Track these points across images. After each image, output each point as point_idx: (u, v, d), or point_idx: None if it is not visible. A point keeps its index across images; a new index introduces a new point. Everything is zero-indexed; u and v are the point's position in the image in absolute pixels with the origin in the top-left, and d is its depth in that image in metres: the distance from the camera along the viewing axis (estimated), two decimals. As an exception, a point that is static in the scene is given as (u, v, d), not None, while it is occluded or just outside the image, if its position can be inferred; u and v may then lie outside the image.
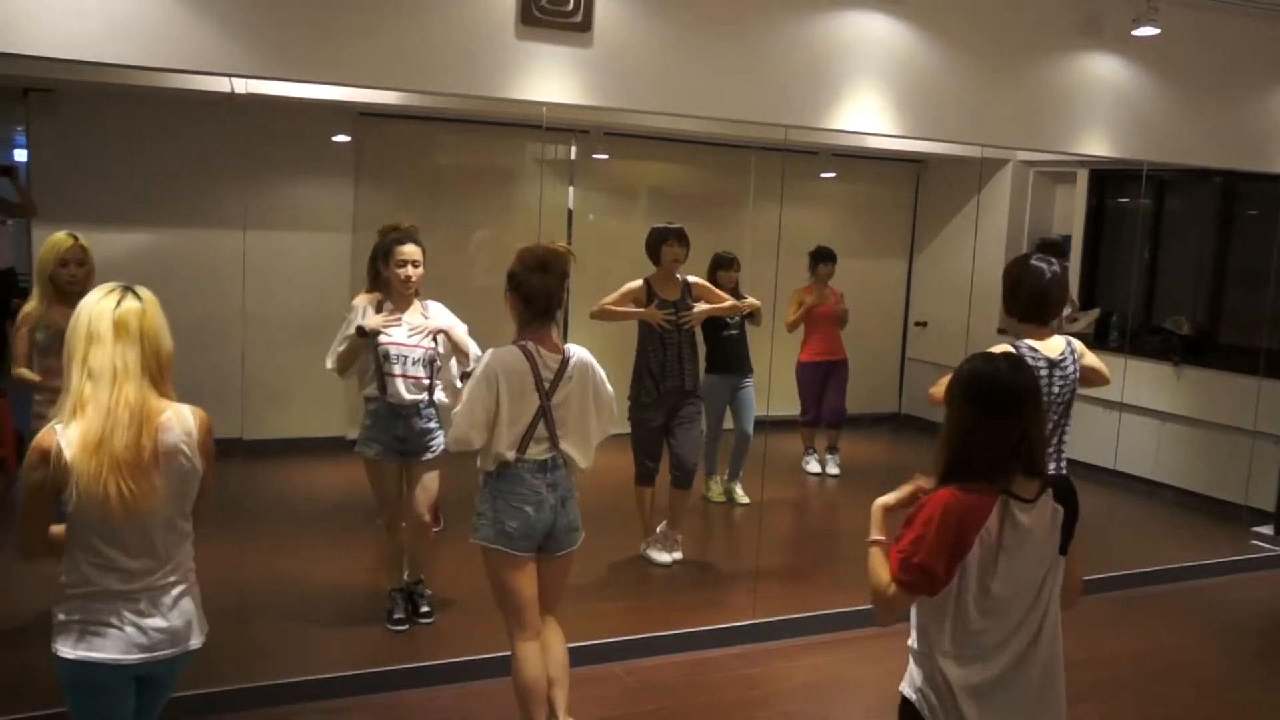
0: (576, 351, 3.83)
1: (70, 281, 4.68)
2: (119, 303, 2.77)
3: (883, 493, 2.91)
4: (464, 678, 4.65)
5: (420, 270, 4.93)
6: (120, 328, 2.74)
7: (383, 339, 4.87)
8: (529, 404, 3.68)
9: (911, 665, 2.79)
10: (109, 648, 2.72)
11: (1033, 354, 4.00)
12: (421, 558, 5.17)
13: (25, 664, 4.41)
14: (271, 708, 4.31)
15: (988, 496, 2.58)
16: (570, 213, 8.53)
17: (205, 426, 2.89)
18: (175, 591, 2.83)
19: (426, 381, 4.93)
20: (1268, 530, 7.28)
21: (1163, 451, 8.25)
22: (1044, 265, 4.05)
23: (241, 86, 4.67)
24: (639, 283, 6.13)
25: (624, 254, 8.94)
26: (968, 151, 7.54)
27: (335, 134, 7.71)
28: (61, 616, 2.75)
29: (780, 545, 6.78)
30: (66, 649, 2.73)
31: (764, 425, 7.15)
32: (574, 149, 8.42)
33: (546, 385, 3.71)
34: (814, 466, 8.35)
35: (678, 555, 6.17)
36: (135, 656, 2.75)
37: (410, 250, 4.90)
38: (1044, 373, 3.97)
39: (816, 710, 4.74)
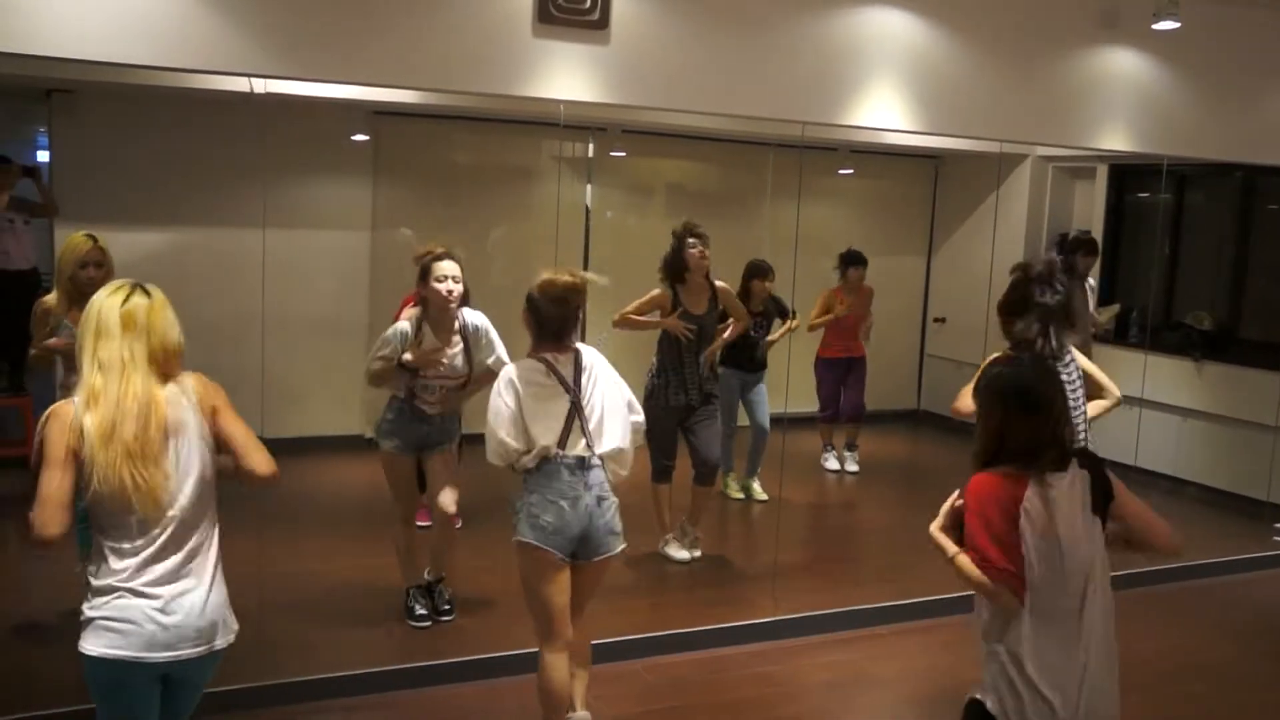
0: (586, 350, 3.89)
1: (89, 283, 4.63)
2: (127, 298, 2.85)
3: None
4: (486, 675, 4.66)
5: (460, 286, 4.82)
6: (128, 321, 2.81)
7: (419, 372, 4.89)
8: (558, 405, 3.73)
9: (984, 669, 2.87)
10: (132, 645, 2.73)
11: None
12: (444, 554, 5.18)
13: (45, 661, 4.46)
14: (293, 705, 4.33)
15: (1019, 478, 2.76)
16: (588, 210, 8.54)
17: (203, 383, 2.94)
18: (201, 589, 2.84)
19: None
20: (1291, 527, 7.25)
21: (1184, 448, 8.20)
22: (1046, 290, 4.13)
23: (260, 86, 4.68)
24: (661, 291, 6.04)
25: (642, 251, 8.94)
26: (986, 147, 7.51)
27: (353, 133, 7.74)
28: (88, 613, 2.77)
29: (799, 542, 6.77)
30: (90, 646, 2.74)
31: (782, 422, 7.14)
32: (592, 146, 8.42)
33: (570, 382, 3.77)
34: (833, 463, 8.33)
35: (697, 552, 6.17)
36: (160, 655, 2.76)
37: (448, 266, 4.80)
38: None
39: (837, 708, 4.74)
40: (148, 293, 2.91)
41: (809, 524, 7.38)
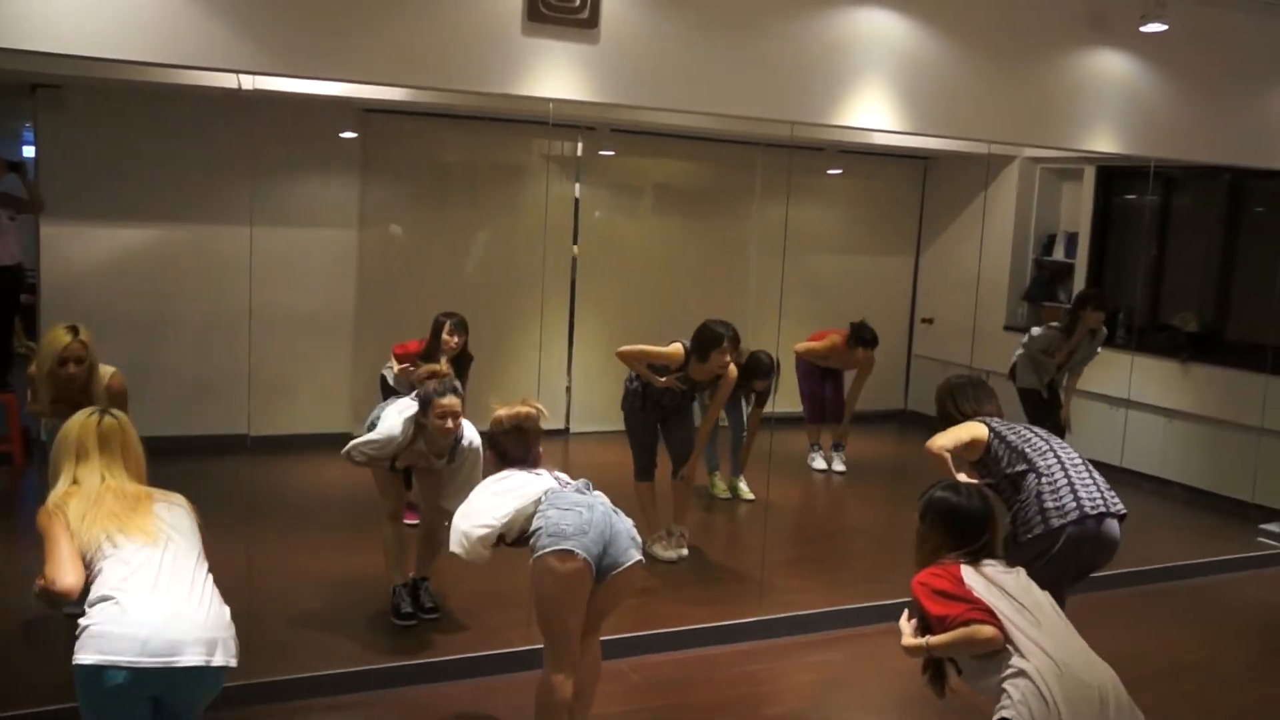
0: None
1: (69, 380, 4.49)
2: (100, 421, 3.18)
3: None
4: (472, 673, 4.65)
5: (460, 418, 4.73)
6: (104, 441, 3.14)
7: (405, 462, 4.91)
8: (543, 481, 3.83)
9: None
10: (124, 651, 2.71)
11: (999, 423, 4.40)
12: (431, 554, 5.16)
13: (37, 660, 4.44)
14: (279, 703, 4.31)
15: (950, 563, 3.17)
16: (577, 209, 8.55)
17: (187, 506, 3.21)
18: (197, 603, 2.86)
19: None
20: (1275, 528, 7.27)
21: (1170, 448, 8.23)
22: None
23: (248, 83, 4.67)
24: (679, 350, 5.87)
25: (630, 250, 8.98)
26: (974, 148, 7.53)
27: (342, 130, 7.72)
28: (82, 624, 2.77)
29: (786, 542, 6.77)
30: (84, 656, 2.72)
31: (769, 422, 7.15)
32: (580, 145, 8.43)
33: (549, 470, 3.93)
34: (820, 463, 8.34)
35: (683, 552, 6.16)
36: (151, 661, 2.72)
37: (450, 402, 4.67)
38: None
39: (823, 707, 4.74)
40: (115, 416, 3.22)
41: (795, 524, 7.39)
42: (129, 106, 6.91)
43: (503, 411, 3.95)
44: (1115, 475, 7.87)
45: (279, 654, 4.59)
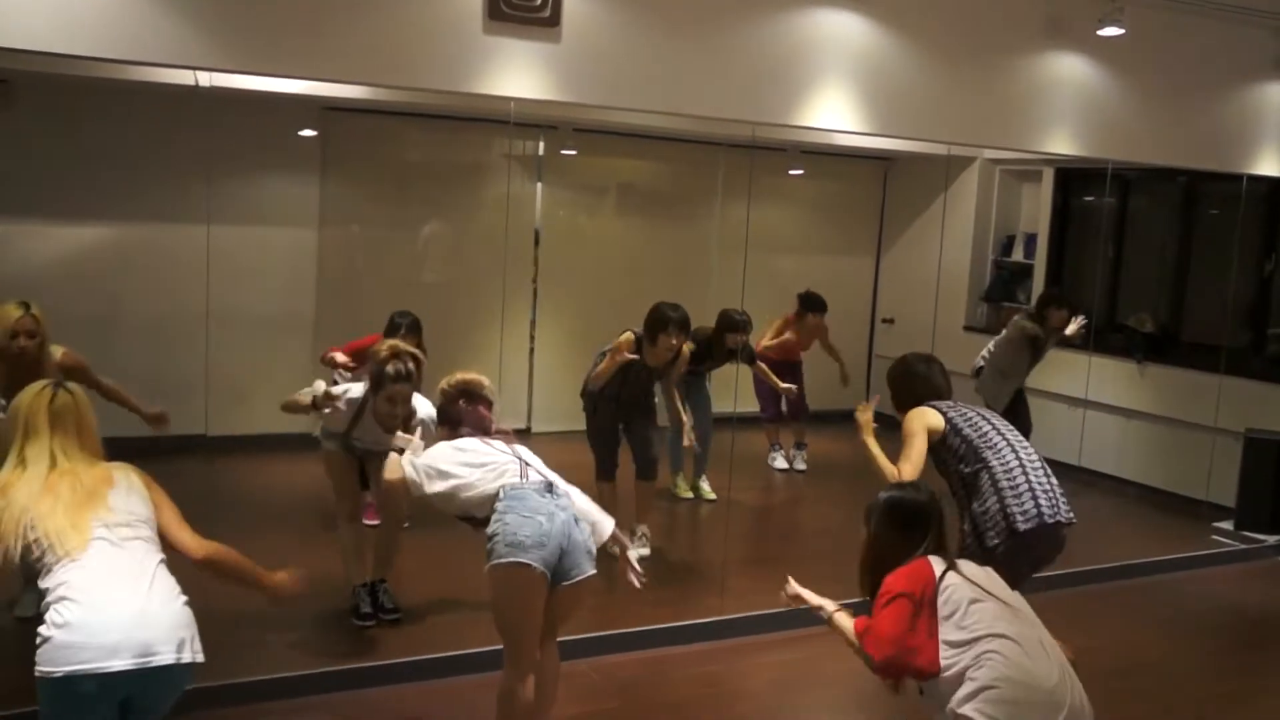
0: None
1: (20, 354, 4.46)
2: (53, 398, 2.99)
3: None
4: (429, 675, 4.63)
5: (409, 405, 4.71)
6: (56, 420, 2.96)
7: (356, 435, 4.90)
8: (503, 457, 3.78)
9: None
10: (88, 659, 2.63)
11: (953, 407, 4.34)
12: (389, 555, 5.13)
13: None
14: (235, 707, 4.27)
15: (920, 561, 3.12)
16: (538, 208, 8.52)
17: (145, 478, 3.07)
18: (159, 601, 2.79)
19: None
20: (1228, 525, 7.37)
21: (1126, 448, 8.33)
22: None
23: (205, 80, 4.63)
24: (630, 338, 5.86)
25: (592, 250, 8.97)
26: (934, 149, 7.59)
27: (301, 128, 7.66)
28: (42, 632, 2.68)
29: (747, 541, 6.79)
30: (47, 664, 2.64)
31: (731, 422, 7.16)
32: (542, 145, 8.40)
33: (505, 440, 3.87)
34: (781, 463, 8.36)
35: (644, 551, 6.16)
36: (119, 664, 2.65)
37: (401, 389, 4.62)
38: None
39: (781, 707, 4.75)
40: (70, 391, 3.03)
41: (757, 523, 7.40)
42: (81, 103, 6.80)
43: (446, 380, 3.98)
44: (1073, 474, 8.01)
45: (235, 656, 4.54)
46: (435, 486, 3.70)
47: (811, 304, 8.12)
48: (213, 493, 6.17)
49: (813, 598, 3.40)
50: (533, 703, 3.71)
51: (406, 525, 5.14)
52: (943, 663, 2.92)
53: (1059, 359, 7.63)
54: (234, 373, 6.67)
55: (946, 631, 2.95)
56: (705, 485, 7.44)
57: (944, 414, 4.24)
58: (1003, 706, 2.81)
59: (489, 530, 3.62)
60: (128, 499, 2.93)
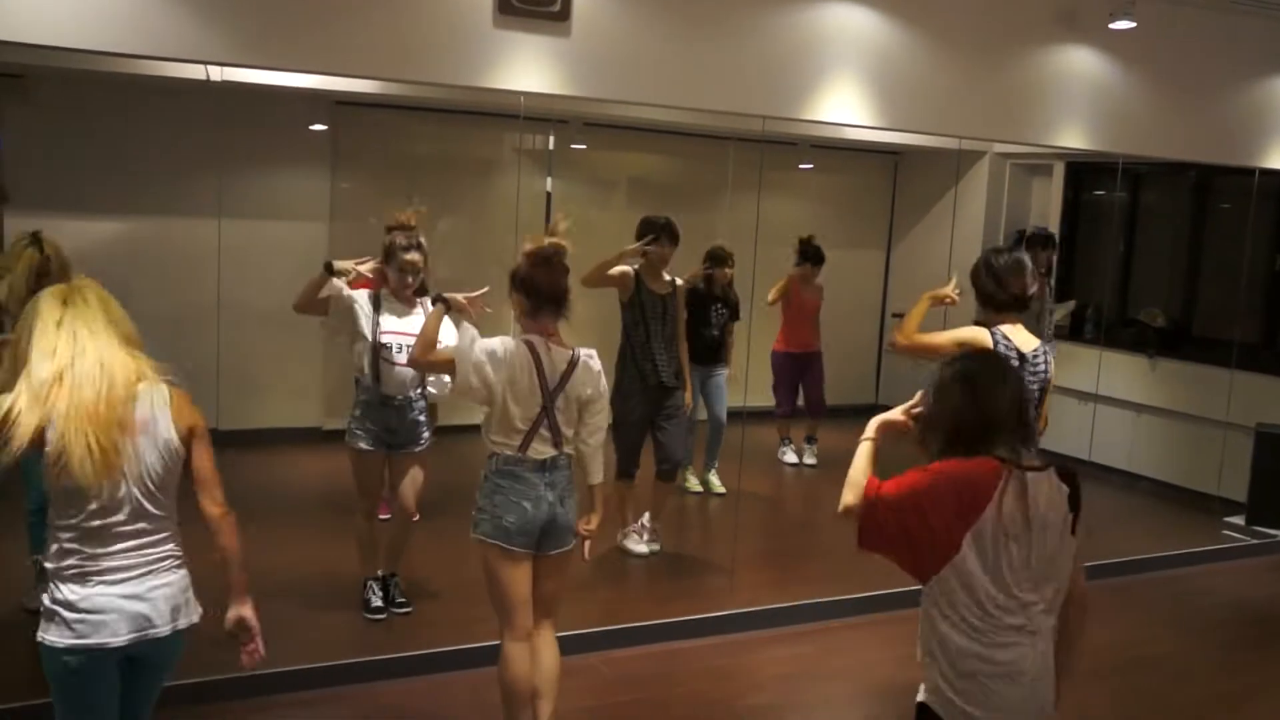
0: (584, 355, 3.79)
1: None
2: (68, 294, 2.77)
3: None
4: (439, 669, 4.64)
5: (420, 271, 4.94)
6: (71, 300, 2.74)
7: (383, 329, 4.86)
8: (531, 403, 3.65)
9: (924, 676, 2.72)
10: (94, 632, 2.68)
11: (1005, 342, 4.04)
12: (401, 550, 5.16)
13: (8, 654, 4.39)
14: (246, 699, 4.29)
15: (992, 465, 2.54)
16: (549, 203, 8.51)
17: (183, 398, 2.89)
18: (161, 572, 2.81)
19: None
20: (1239, 520, 7.35)
21: (1137, 443, 8.31)
22: (1027, 259, 4.09)
23: (217, 74, 4.63)
24: (629, 270, 5.92)
25: (603, 244, 8.93)
26: (945, 143, 7.56)
27: (312, 122, 7.67)
28: (47, 602, 2.72)
29: (757, 535, 6.79)
30: (52, 635, 2.69)
31: (741, 416, 7.16)
32: (552, 139, 8.40)
33: (551, 386, 3.68)
34: (791, 457, 8.37)
35: (656, 546, 6.17)
36: (121, 639, 2.71)
37: (414, 258, 4.90)
38: (1014, 362, 3.99)
39: (792, 700, 4.76)
40: (83, 280, 2.86)
41: (766, 518, 7.40)
42: (95, 97, 6.83)
43: (530, 244, 3.84)
44: (1084, 469, 7.97)
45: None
46: (472, 380, 3.63)
47: (811, 256, 8.08)
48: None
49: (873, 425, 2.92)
50: (530, 671, 3.77)
51: (416, 519, 5.15)
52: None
53: (1069, 353, 7.62)
54: (245, 367, 6.69)
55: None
56: (715, 479, 7.44)
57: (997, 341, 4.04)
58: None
59: (478, 496, 3.70)
60: (152, 456, 2.78)
